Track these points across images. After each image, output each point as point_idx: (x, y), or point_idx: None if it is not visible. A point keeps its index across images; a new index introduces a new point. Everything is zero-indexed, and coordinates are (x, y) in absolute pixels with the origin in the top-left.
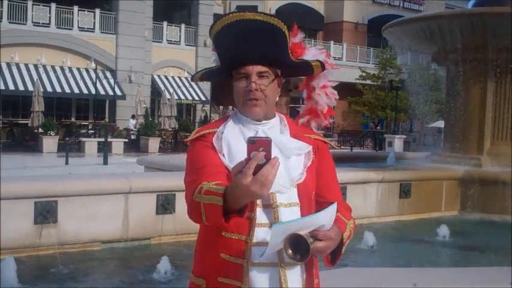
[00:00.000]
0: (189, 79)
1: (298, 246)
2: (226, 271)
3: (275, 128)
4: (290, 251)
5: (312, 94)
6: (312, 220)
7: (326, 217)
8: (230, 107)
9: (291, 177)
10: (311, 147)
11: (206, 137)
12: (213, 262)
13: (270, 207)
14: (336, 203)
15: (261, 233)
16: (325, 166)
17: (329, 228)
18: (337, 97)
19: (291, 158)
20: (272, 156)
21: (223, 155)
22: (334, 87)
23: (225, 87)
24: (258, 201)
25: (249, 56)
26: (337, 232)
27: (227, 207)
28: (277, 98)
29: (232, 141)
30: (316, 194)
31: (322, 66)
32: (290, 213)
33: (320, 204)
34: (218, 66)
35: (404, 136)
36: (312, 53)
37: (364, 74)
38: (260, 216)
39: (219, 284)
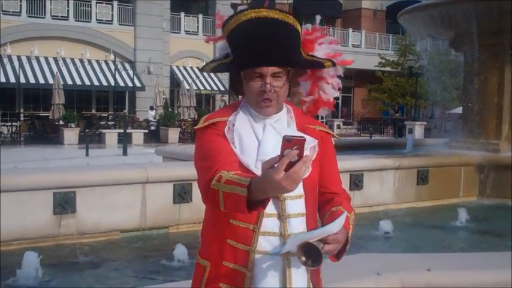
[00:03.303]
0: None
1: (310, 252)
2: (232, 257)
3: (282, 121)
4: (303, 258)
5: (319, 83)
6: (327, 230)
7: (338, 226)
8: None
9: None
10: (317, 142)
11: (217, 125)
12: (219, 247)
13: (277, 198)
14: (345, 214)
15: (267, 223)
16: (328, 157)
17: (337, 232)
18: (341, 86)
19: None
20: (304, 155)
21: (235, 147)
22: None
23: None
24: None
25: (265, 57)
26: (344, 234)
27: (249, 198)
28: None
29: (244, 134)
30: (319, 183)
31: (333, 64)
32: (296, 205)
33: (322, 194)
34: (230, 60)
35: (425, 123)
36: (323, 50)
37: (383, 61)
38: (268, 207)
39: (224, 267)
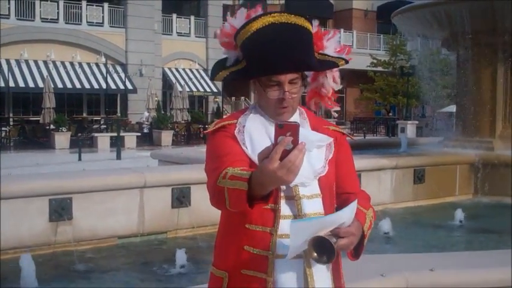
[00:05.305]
0: (200, 71)
1: (323, 248)
2: (251, 263)
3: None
4: (315, 254)
5: (318, 76)
6: (333, 219)
7: (346, 215)
8: (242, 97)
9: (314, 169)
10: (332, 139)
11: (227, 127)
12: (237, 255)
13: (292, 199)
14: (356, 200)
15: (285, 225)
16: (344, 157)
17: (350, 224)
18: (339, 79)
19: (313, 151)
20: (299, 142)
21: (246, 147)
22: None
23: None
24: (281, 193)
25: (282, 64)
26: (358, 226)
27: (252, 193)
28: None
29: (255, 133)
30: (335, 185)
31: (346, 62)
32: (313, 205)
33: (338, 195)
34: (243, 68)
35: (417, 122)
36: (332, 45)
37: (375, 61)
38: (284, 208)
39: (243, 276)
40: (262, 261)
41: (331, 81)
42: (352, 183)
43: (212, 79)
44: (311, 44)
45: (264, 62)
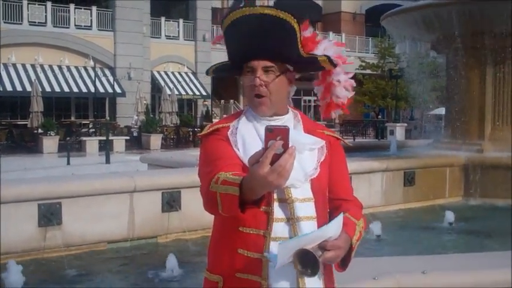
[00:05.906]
0: (189, 74)
1: (307, 261)
2: (245, 267)
3: (288, 124)
4: (299, 266)
5: (332, 88)
6: (319, 234)
7: (333, 229)
8: (231, 100)
9: (305, 171)
10: (324, 142)
11: (220, 131)
12: (231, 258)
13: (285, 202)
14: (342, 214)
15: (278, 228)
16: (337, 162)
17: (337, 237)
18: (354, 84)
19: (305, 153)
20: (290, 146)
21: (238, 149)
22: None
23: (225, 81)
24: (274, 196)
25: (255, 50)
26: (346, 239)
27: (244, 198)
28: (291, 94)
29: (247, 136)
30: (328, 190)
31: (330, 61)
32: (305, 208)
33: (331, 201)
34: (228, 61)
35: (406, 124)
36: (322, 46)
37: (363, 64)
38: (277, 211)
39: (238, 280)
40: (256, 265)
41: (344, 90)
42: (345, 190)
43: (206, 74)
44: (292, 37)
45: (237, 49)
